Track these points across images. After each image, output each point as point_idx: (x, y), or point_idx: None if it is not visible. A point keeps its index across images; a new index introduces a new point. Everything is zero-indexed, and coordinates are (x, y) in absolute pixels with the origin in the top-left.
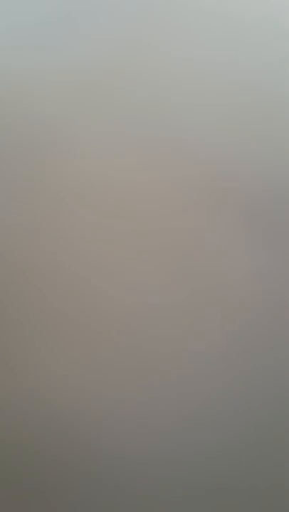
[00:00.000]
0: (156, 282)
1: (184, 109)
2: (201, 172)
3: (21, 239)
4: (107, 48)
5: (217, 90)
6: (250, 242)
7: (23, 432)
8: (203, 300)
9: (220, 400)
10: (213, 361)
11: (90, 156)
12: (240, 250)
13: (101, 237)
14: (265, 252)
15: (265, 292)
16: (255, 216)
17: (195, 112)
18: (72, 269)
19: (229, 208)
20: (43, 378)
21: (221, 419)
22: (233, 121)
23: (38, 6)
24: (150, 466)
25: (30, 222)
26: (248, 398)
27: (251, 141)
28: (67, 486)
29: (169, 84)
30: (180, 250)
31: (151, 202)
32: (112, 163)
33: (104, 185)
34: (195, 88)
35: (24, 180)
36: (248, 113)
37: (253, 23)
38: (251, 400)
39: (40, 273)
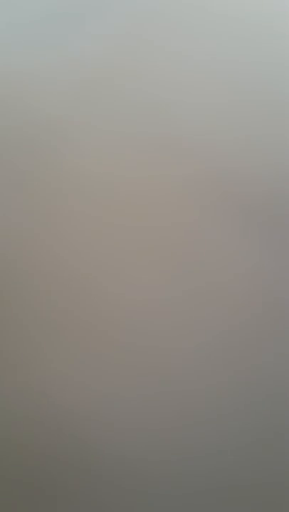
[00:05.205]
0: (155, 279)
1: (183, 107)
2: (200, 170)
3: (22, 236)
4: (107, 46)
5: (217, 89)
6: (247, 239)
7: (22, 427)
8: (201, 297)
9: (219, 397)
10: (212, 358)
11: (90, 154)
12: (238, 248)
13: (100, 234)
14: (262, 249)
15: (263, 289)
16: (253, 214)
17: (194, 111)
18: (72, 265)
19: (228, 206)
20: (43, 374)
21: (220, 416)
22: (233, 120)
23: (38, 3)
24: (149, 462)
25: (30, 220)
26: (246, 395)
27: (249, 139)
28: (66, 482)
29: (169, 83)
30: (178, 248)
31: (150, 199)
32: (112, 160)
33: (104, 182)
34: (195, 87)
35: (24, 177)
36: (248, 112)
37: (253, 22)
38: (250, 396)
39: (40, 269)
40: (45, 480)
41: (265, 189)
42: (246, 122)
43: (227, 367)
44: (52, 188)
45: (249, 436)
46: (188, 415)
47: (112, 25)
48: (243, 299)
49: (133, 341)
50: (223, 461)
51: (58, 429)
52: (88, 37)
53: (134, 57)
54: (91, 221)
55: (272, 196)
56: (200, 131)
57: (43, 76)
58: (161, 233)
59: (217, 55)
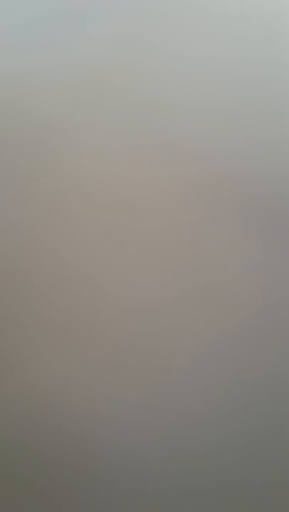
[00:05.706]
0: (155, 279)
1: (183, 107)
2: (199, 170)
3: (22, 236)
4: (107, 46)
5: (217, 89)
6: (247, 239)
7: (21, 427)
8: (201, 297)
9: (219, 397)
10: (212, 358)
11: (90, 154)
12: (238, 248)
13: (100, 234)
14: (262, 249)
15: (263, 289)
16: (253, 214)
17: (194, 111)
18: (72, 265)
19: (227, 206)
20: (42, 374)
21: (220, 416)
22: (232, 120)
23: (38, 3)
24: (149, 462)
25: (30, 220)
26: (246, 395)
27: (249, 139)
28: (65, 482)
29: (169, 83)
30: (178, 248)
31: (150, 199)
32: (112, 160)
33: (103, 182)
34: (195, 87)
35: (24, 177)
36: (248, 112)
37: (253, 22)
38: (250, 396)
39: (40, 269)
40: (45, 480)
41: (265, 189)
42: (246, 122)
43: (227, 367)
44: (52, 187)
45: (249, 436)
46: (188, 415)
47: (112, 26)
48: (243, 299)
49: (133, 341)
50: (223, 461)
51: (57, 429)
52: (88, 37)
53: (134, 58)
54: (91, 221)
55: (272, 196)
56: (200, 131)
57: (43, 76)
58: (161, 233)
59: (217, 55)
